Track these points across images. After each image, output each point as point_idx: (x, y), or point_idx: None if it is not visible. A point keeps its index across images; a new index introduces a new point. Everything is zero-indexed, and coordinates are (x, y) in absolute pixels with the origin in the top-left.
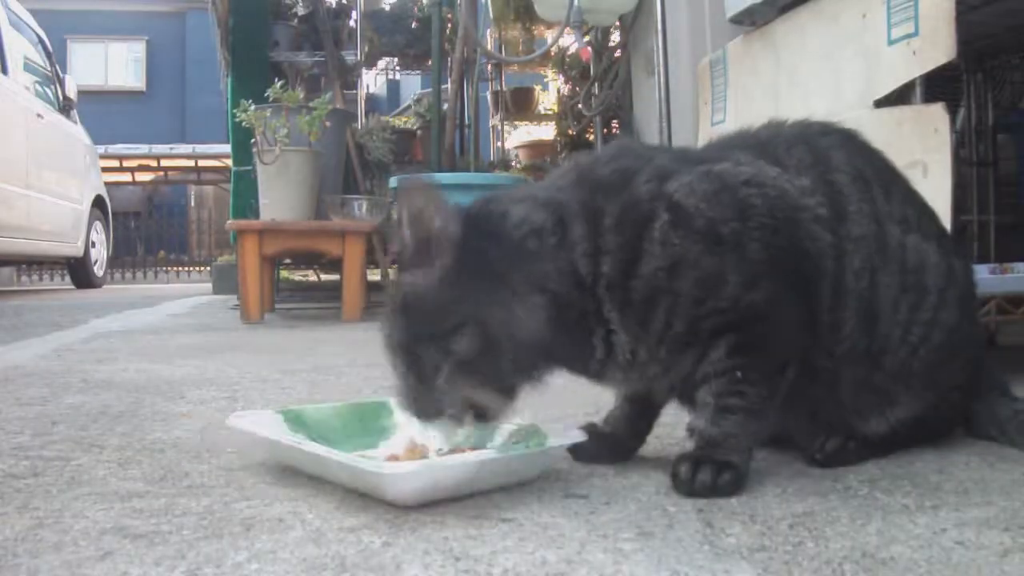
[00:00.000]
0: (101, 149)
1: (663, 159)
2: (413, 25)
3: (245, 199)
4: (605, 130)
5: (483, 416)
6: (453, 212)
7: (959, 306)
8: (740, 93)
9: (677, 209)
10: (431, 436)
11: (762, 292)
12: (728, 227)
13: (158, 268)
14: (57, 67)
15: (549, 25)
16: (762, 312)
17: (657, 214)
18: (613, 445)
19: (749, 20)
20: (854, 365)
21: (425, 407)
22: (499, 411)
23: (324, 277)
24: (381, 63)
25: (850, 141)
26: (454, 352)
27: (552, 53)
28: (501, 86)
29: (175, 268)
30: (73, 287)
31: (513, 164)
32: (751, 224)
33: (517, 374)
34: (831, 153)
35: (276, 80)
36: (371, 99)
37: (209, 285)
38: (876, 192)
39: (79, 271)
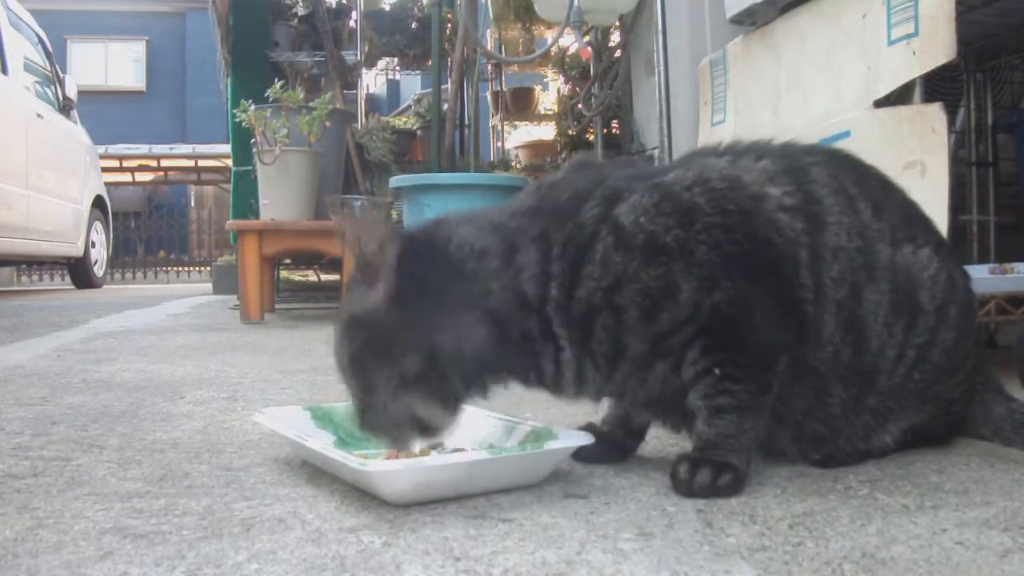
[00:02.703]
0: (101, 149)
1: (616, 181)
2: (413, 25)
3: (245, 199)
4: (605, 130)
5: (428, 431)
6: (392, 237)
7: (958, 322)
8: (740, 93)
9: (618, 229)
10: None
11: (723, 292)
12: (670, 235)
13: (158, 268)
14: (57, 67)
15: (549, 25)
16: (728, 312)
17: (600, 237)
18: (612, 445)
19: (749, 20)
20: (846, 385)
21: (373, 422)
22: (444, 426)
23: (324, 277)
24: (381, 63)
25: (835, 159)
26: (401, 370)
27: (552, 53)
28: (501, 86)
29: (175, 268)
30: (73, 287)
31: (513, 164)
32: (696, 227)
33: (462, 388)
34: (811, 168)
35: (276, 80)
36: (371, 99)
37: (209, 285)
38: (862, 208)
39: (79, 271)
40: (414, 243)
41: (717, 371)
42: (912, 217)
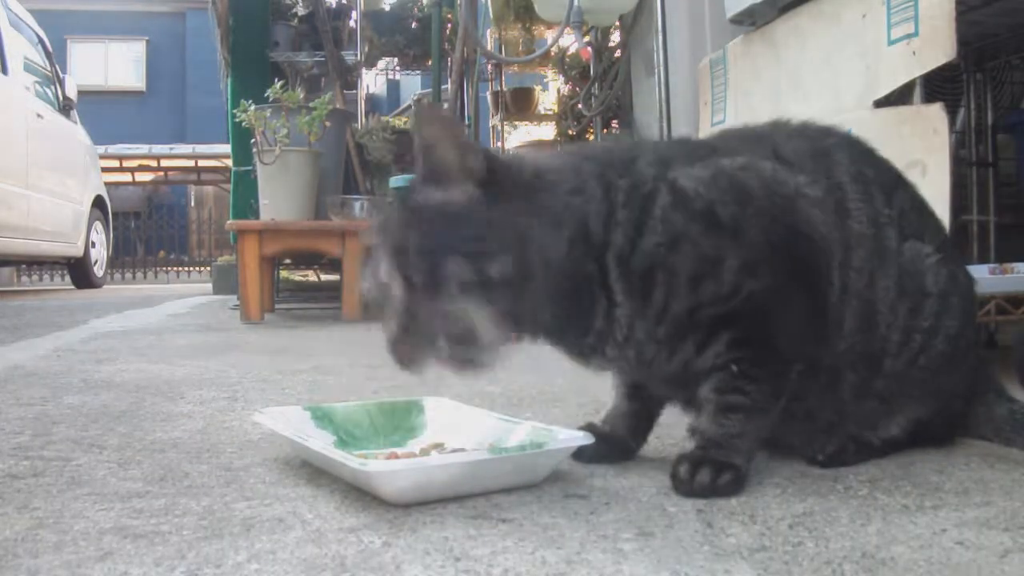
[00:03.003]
0: (101, 149)
1: (661, 146)
2: (413, 25)
3: (245, 199)
4: (605, 130)
5: (471, 359)
6: (472, 145)
7: (961, 312)
8: (740, 93)
9: (677, 192)
10: (451, 435)
11: (761, 280)
12: (726, 210)
13: (158, 268)
14: (57, 67)
15: (549, 25)
16: (762, 303)
17: (660, 192)
18: (613, 445)
19: (749, 20)
20: (854, 368)
21: (417, 330)
22: (488, 359)
23: (324, 277)
24: (381, 63)
25: (853, 144)
26: (490, 274)
27: (552, 53)
28: (501, 86)
29: (175, 268)
30: (73, 287)
31: None
32: (749, 210)
33: (527, 318)
34: (833, 152)
35: (276, 80)
36: (371, 99)
37: (209, 285)
38: (876, 194)
39: (79, 271)
40: (494, 157)
41: (735, 368)
42: (918, 212)
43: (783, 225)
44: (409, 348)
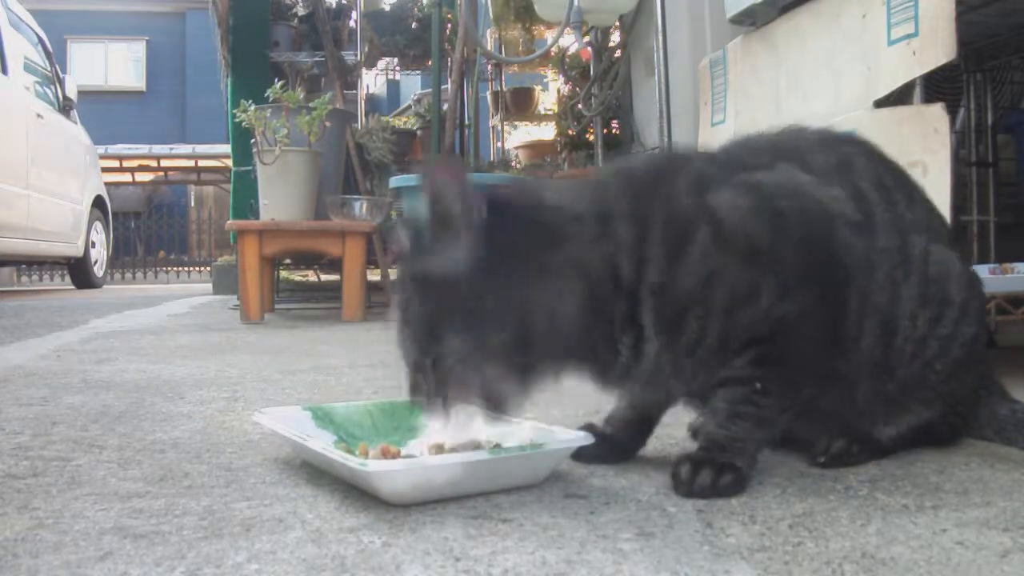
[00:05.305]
0: (101, 149)
1: (701, 164)
2: (413, 25)
3: (245, 199)
4: (605, 130)
5: (498, 406)
6: (479, 194)
7: (978, 318)
8: (740, 93)
9: (718, 224)
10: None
11: (793, 304)
12: (767, 240)
13: (158, 268)
14: (57, 67)
15: (549, 25)
16: (791, 324)
17: (699, 227)
18: (613, 446)
19: (749, 20)
20: (868, 376)
21: (437, 393)
22: (512, 406)
23: (324, 277)
24: (381, 63)
25: (870, 152)
26: (490, 343)
27: (552, 53)
28: (501, 86)
29: (175, 268)
30: (73, 287)
31: (513, 164)
32: (788, 237)
33: (541, 366)
34: (854, 160)
35: (276, 80)
36: (371, 99)
37: (209, 285)
38: (898, 199)
39: (79, 271)
40: (503, 200)
41: (759, 385)
42: (937, 213)
43: (819, 249)
44: (431, 407)
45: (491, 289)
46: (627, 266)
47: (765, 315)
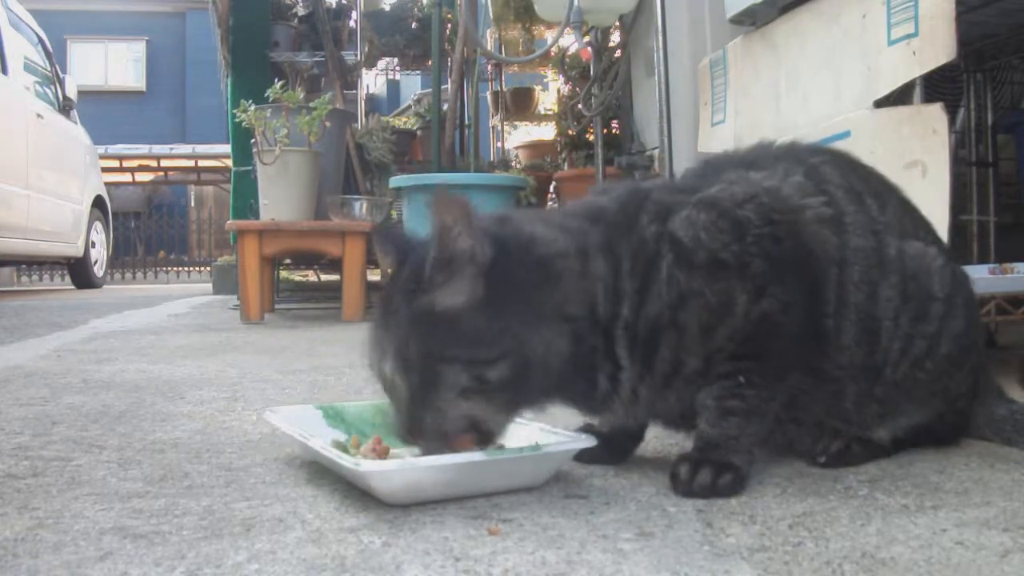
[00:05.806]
0: (101, 149)
1: (660, 194)
2: (413, 25)
3: (245, 199)
4: (605, 130)
5: (487, 438)
6: (484, 233)
7: (965, 312)
8: (740, 93)
9: (677, 244)
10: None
11: (770, 300)
12: (729, 251)
13: (158, 268)
14: (57, 67)
15: (549, 25)
16: (774, 320)
17: (662, 254)
18: (611, 446)
19: (749, 20)
20: (855, 379)
21: (429, 426)
22: (501, 433)
23: (324, 277)
24: (381, 63)
25: (839, 159)
26: (489, 379)
27: (552, 53)
28: (501, 86)
29: (175, 268)
30: (73, 287)
31: (513, 164)
32: (750, 240)
33: (531, 401)
34: (821, 168)
35: (276, 80)
36: (371, 99)
37: (209, 285)
38: (870, 203)
39: (79, 271)
40: (506, 241)
41: (742, 378)
42: (913, 214)
43: (786, 241)
44: (416, 435)
45: (491, 326)
46: (604, 302)
47: (744, 320)
